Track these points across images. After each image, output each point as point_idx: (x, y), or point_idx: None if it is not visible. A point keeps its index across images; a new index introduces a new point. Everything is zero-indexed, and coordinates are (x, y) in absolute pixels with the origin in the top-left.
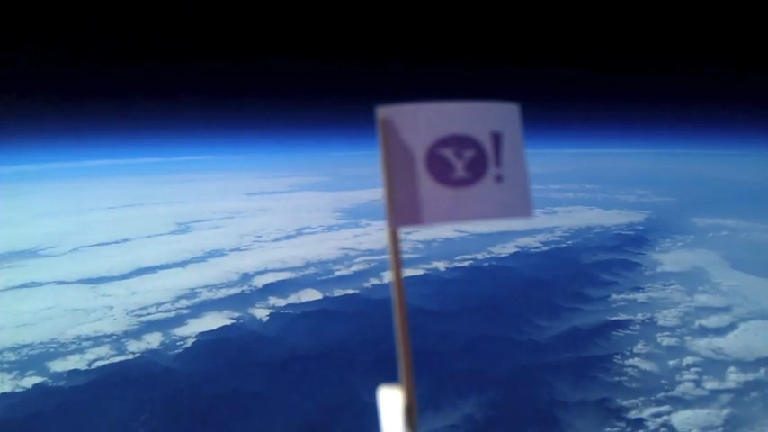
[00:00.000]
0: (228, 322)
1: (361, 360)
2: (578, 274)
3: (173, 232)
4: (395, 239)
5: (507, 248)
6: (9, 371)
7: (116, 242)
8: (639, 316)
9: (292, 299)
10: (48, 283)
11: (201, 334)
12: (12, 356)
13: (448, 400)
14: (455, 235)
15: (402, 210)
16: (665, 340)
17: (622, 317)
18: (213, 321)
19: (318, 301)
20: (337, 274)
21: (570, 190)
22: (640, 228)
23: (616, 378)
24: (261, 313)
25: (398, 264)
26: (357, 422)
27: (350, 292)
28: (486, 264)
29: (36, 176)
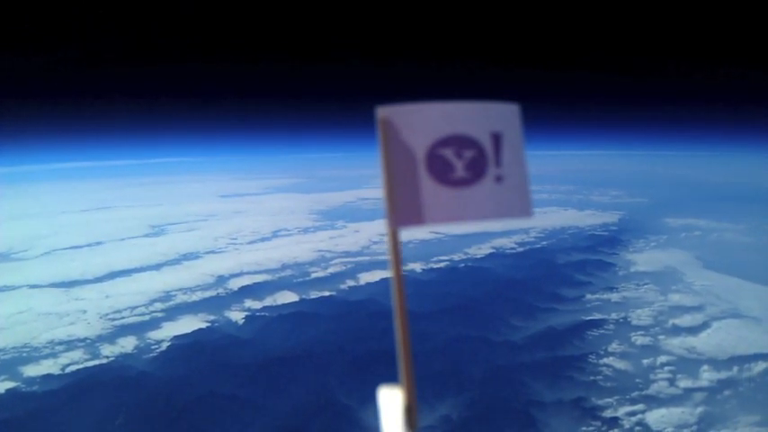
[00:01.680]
0: (204, 325)
1: (338, 362)
2: (553, 274)
3: (147, 235)
4: (395, 239)
5: (483, 249)
6: None
7: (89, 245)
8: (614, 315)
9: (268, 301)
10: (20, 286)
11: (176, 337)
12: None
13: (425, 401)
14: (431, 236)
15: (402, 210)
16: (639, 339)
17: (597, 316)
18: (188, 324)
19: (295, 303)
20: (313, 276)
21: (545, 191)
22: (614, 228)
23: (591, 377)
24: (236, 316)
25: (399, 264)
26: (334, 424)
27: (326, 294)
28: (463, 265)
29: (7, 179)
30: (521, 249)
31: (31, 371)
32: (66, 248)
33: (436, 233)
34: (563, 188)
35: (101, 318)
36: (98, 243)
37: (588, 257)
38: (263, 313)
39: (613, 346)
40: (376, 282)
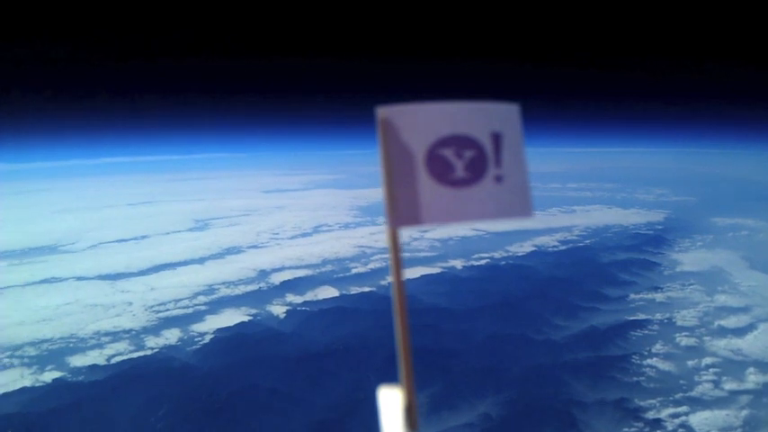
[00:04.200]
0: (246, 319)
1: (377, 357)
2: (596, 273)
3: (191, 229)
4: (395, 240)
5: (525, 247)
6: (29, 365)
7: (135, 239)
8: (658, 316)
9: (309, 296)
10: (67, 278)
11: (219, 330)
12: (32, 351)
13: (464, 399)
14: (472, 233)
15: (402, 210)
16: (684, 340)
17: (641, 317)
18: (231, 318)
19: (335, 298)
20: (354, 271)
21: (588, 189)
22: (659, 227)
23: (634, 378)
24: (278, 310)
25: (398, 264)
26: (372, 419)
27: (366, 289)
28: (504, 262)
29: (55, 173)
30: (563, 247)
31: (78, 361)
32: (113, 242)
33: (477, 230)
34: (607, 186)
35: (146, 310)
36: (144, 237)
37: (633, 256)
38: (303, 308)
39: (657, 347)
40: (416, 278)
